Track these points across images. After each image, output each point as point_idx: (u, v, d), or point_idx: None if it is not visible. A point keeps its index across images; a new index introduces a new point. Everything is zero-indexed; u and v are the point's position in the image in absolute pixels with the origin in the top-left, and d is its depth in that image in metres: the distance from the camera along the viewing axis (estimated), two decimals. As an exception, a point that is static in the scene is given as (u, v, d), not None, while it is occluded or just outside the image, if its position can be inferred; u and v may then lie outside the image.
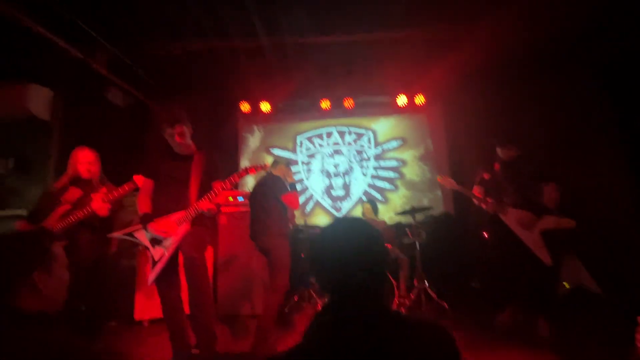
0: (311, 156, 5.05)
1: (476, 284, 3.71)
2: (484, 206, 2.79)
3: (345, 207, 4.85)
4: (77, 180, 2.59)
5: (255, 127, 5.12)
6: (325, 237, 0.90)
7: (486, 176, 2.87)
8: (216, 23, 3.46)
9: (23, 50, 3.19)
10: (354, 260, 0.83)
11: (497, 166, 2.83)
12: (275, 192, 2.74)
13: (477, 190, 2.87)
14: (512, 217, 2.68)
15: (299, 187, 4.92)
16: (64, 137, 3.43)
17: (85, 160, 2.60)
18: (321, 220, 4.74)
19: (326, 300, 0.88)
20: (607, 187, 3.74)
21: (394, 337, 0.75)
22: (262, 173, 2.80)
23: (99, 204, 2.45)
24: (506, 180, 2.75)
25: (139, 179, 2.45)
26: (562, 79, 4.14)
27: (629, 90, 3.49)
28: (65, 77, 3.48)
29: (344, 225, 0.92)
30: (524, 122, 3.52)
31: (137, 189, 2.37)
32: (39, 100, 3.55)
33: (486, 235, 3.70)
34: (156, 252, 2.10)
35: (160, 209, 2.17)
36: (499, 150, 2.81)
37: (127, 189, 2.45)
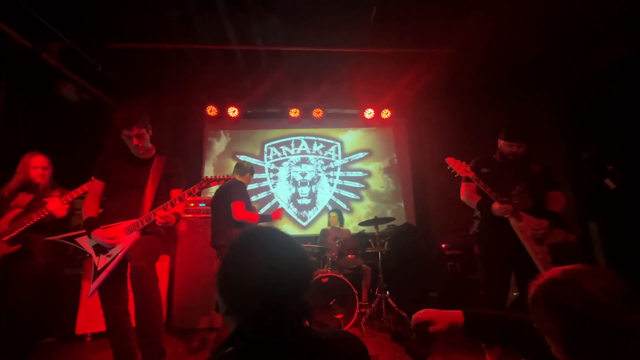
0: (278, 164, 5.01)
1: (434, 294, 3.84)
2: (497, 206, 2.16)
3: (311, 215, 4.84)
4: (27, 185, 2.50)
5: (221, 132, 5.00)
6: (239, 250, 0.76)
7: (484, 170, 2.31)
8: (186, 24, 3.36)
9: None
10: (273, 278, 0.70)
11: (499, 162, 2.34)
12: (237, 198, 2.67)
13: (479, 184, 2.23)
14: (526, 225, 2.14)
15: (265, 194, 4.85)
16: (4, 132, 3.11)
17: (39, 165, 2.52)
18: (286, 228, 4.69)
19: (230, 327, 0.73)
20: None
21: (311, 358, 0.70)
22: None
23: (57, 205, 2.37)
24: (515, 179, 2.24)
25: None
26: (520, 103, 4.50)
27: (575, 120, 3.86)
28: (10, 66, 3.18)
29: (261, 237, 0.77)
30: (484, 140, 3.71)
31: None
32: (-24, 90, 3.20)
33: (444, 246, 3.87)
34: (100, 260, 1.93)
35: (111, 215, 2.01)
36: (504, 144, 2.29)
37: (85, 188, 2.38)
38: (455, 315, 0.96)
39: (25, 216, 2.36)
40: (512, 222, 2.15)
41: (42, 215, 2.35)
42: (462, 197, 2.39)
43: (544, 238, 2.13)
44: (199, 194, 2.31)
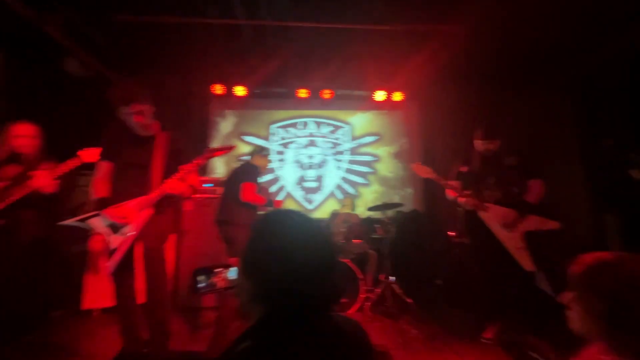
0: (285, 146, 4.92)
1: (440, 282, 3.80)
2: (461, 200, 2.46)
3: (317, 199, 4.79)
4: (15, 157, 2.36)
5: (227, 112, 4.90)
6: (265, 231, 0.72)
7: (463, 169, 2.59)
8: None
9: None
10: (303, 258, 0.66)
11: (475, 159, 2.57)
12: (247, 179, 2.64)
13: (453, 184, 2.57)
14: (493, 215, 2.36)
15: (270, 176, 4.80)
16: (6, 105, 3.06)
17: (23, 134, 2.35)
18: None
19: (251, 316, 0.69)
20: (563, 196, 3.96)
21: (329, 348, 0.65)
22: (235, 161, 2.68)
23: (45, 180, 2.21)
24: (486, 174, 2.48)
25: (84, 155, 2.24)
26: (535, 88, 4.31)
27: (591, 107, 3.68)
28: (12, 37, 3.09)
29: (285, 218, 0.74)
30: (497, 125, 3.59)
31: (88, 165, 2.18)
32: (-21, 62, 3.14)
33: (454, 234, 3.81)
34: (114, 239, 1.93)
35: (120, 194, 1.98)
36: (478, 143, 2.52)
37: (70, 165, 2.25)
38: None
39: (10, 190, 2.22)
40: (480, 213, 2.40)
41: (26, 190, 2.20)
42: (447, 195, 2.65)
43: (512, 226, 2.33)
44: (204, 169, 2.25)
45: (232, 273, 0.92)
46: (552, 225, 2.33)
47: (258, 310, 0.68)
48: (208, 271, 0.89)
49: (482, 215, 2.39)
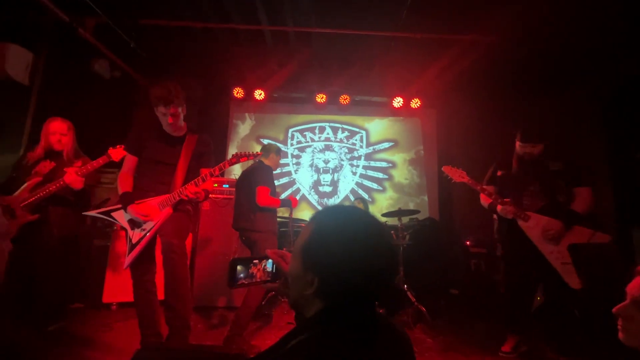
0: (301, 149, 4.96)
1: (456, 291, 3.73)
2: (499, 208, 2.24)
3: (332, 203, 4.79)
4: (50, 153, 2.47)
5: (246, 115, 4.98)
6: (336, 225, 0.70)
7: (499, 173, 2.38)
8: (216, 2, 3.32)
9: (3, 7, 2.97)
10: (375, 253, 0.66)
11: (514, 163, 2.34)
12: (262, 183, 2.63)
13: (489, 189, 2.34)
14: (534, 225, 2.14)
15: (287, 179, 4.83)
16: (42, 104, 3.21)
17: (56, 131, 2.46)
18: (306, 215, 4.67)
19: (307, 309, 0.69)
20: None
21: (386, 347, 0.66)
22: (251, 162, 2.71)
23: (73, 177, 2.32)
24: (528, 180, 2.25)
25: (114, 153, 2.34)
26: (558, 97, 4.19)
27: (622, 118, 3.54)
28: (48, 40, 3.25)
29: (357, 213, 0.72)
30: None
31: (111, 163, 2.29)
32: (17, 62, 3.30)
33: (470, 244, 3.74)
34: (135, 234, 1.98)
35: (143, 190, 2.04)
36: (518, 145, 2.28)
37: (100, 162, 2.37)
38: None
39: (44, 185, 2.32)
40: (520, 222, 2.19)
41: (58, 186, 2.31)
42: (481, 201, 2.46)
43: (556, 238, 2.10)
44: (221, 174, 2.30)
45: (270, 265, 0.87)
46: (602, 238, 2.06)
47: (315, 304, 0.67)
48: (246, 262, 0.83)
49: (522, 224, 2.17)
